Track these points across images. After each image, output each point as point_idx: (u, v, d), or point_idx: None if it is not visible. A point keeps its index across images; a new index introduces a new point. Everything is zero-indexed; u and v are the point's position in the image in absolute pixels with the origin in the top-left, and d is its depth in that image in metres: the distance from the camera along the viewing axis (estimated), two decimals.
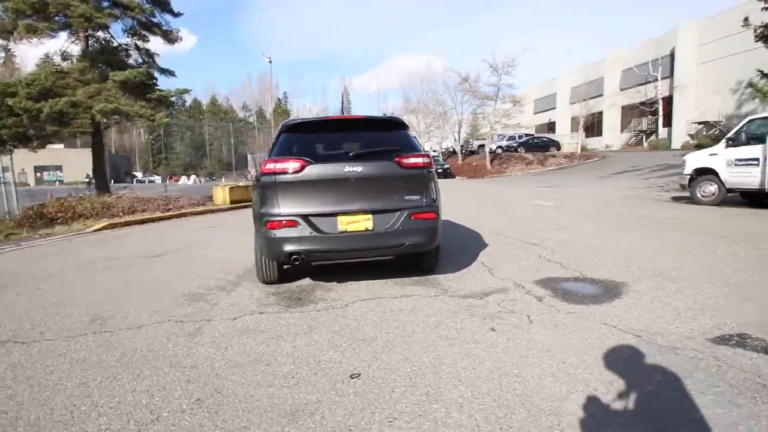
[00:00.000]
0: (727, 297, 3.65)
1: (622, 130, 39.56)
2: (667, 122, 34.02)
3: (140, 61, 14.74)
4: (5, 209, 10.03)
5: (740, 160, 9.49)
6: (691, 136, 31.84)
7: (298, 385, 2.44)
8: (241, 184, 14.61)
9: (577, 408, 2.12)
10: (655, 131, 36.07)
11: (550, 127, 47.40)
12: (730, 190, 9.90)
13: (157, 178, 52.86)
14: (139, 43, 14.12)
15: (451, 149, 37.97)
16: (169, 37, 14.17)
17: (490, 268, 4.92)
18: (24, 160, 32.54)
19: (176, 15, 14.89)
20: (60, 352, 3.00)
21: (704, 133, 30.97)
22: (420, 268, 4.72)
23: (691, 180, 10.70)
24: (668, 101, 33.66)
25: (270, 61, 32.70)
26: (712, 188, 10.16)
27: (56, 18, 12.90)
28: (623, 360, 2.61)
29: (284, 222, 3.82)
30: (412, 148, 4.18)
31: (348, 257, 4.09)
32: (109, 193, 12.75)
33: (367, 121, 4.40)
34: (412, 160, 4.03)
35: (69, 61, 13.87)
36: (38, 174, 51.53)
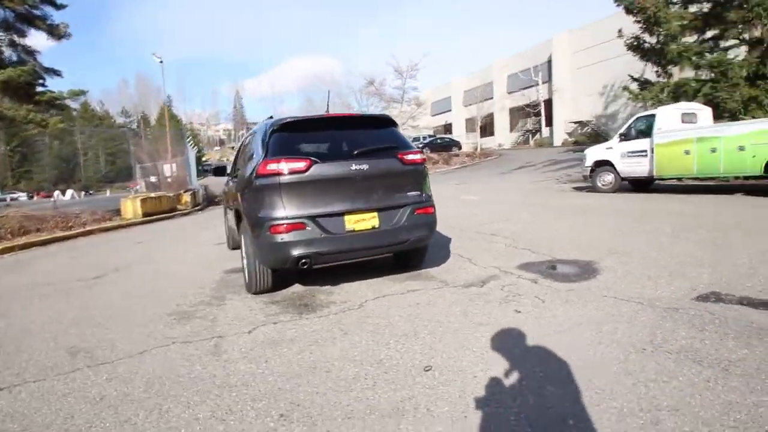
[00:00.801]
0: (681, 264, 4.29)
1: (511, 130, 43.41)
2: (549, 122, 38.09)
3: (14, 59, 12.64)
4: None
5: (632, 152, 11.06)
6: (569, 134, 36.06)
7: (378, 385, 2.38)
8: (153, 195, 13.31)
9: (655, 359, 2.37)
10: (539, 130, 40.18)
11: (447, 128, 50.35)
12: (624, 179, 11.48)
13: (21, 195, 45.84)
14: (16, 38, 12.06)
15: None
16: (55, 32, 12.32)
17: (469, 258, 5.16)
18: None
19: (59, 7, 13.03)
20: (62, 392, 2.54)
21: (579, 131, 35.30)
22: (408, 264, 4.79)
23: (592, 171, 12.17)
24: (549, 103, 37.68)
25: (161, 62, 30.16)
26: (610, 177, 11.68)
27: None
28: (646, 322, 2.95)
29: (291, 225, 3.63)
30: (407, 145, 4.24)
31: (354, 257, 4.02)
32: None
33: (359, 119, 4.36)
34: (412, 157, 4.09)
35: None
36: None
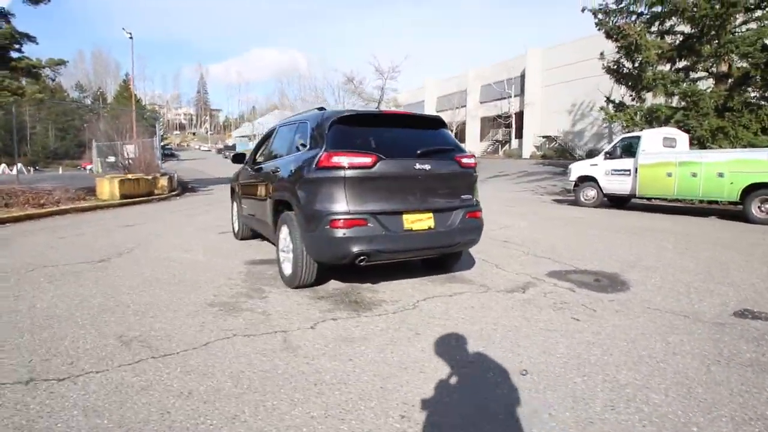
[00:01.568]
0: (702, 281, 4.54)
1: (481, 139, 44.40)
2: (519, 134, 39.26)
3: None
4: None
5: (616, 170, 11.59)
6: (537, 147, 37.34)
7: (484, 387, 2.36)
8: (131, 176, 12.57)
9: (735, 371, 2.49)
10: (509, 141, 41.36)
11: None
12: (606, 195, 12.01)
13: None
14: None
15: None
16: None
17: (495, 264, 5.23)
18: None
19: None
20: (140, 386, 2.35)
21: (547, 146, 36.63)
22: (442, 266, 4.80)
23: (576, 185, 12.66)
24: (520, 116, 38.84)
25: (131, 37, 28.67)
26: (593, 193, 12.20)
27: None
28: (704, 335, 3.10)
29: (353, 220, 3.54)
30: (461, 148, 4.25)
31: (408, 256, 3.98)
32: None
33: (415, 118, 4.31)
34: (467, 160, 4.10)
35: None
36: None
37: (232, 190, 6.82)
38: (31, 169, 46.02)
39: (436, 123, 4.33)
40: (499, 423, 2.05)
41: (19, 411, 2.09)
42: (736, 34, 14.90)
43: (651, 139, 11.17)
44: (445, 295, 3.99)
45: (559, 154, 34.42)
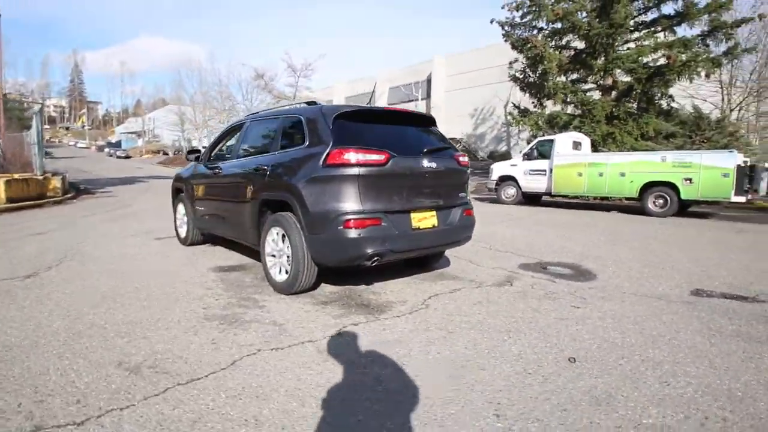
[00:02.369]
0: (648, 267, 5.15)
1: None
2: None
3: None
4: None
5: (533, 170, 12.65)
6: None
7: (551, 377, 2.41)
8: (17, 176, 10.59)
9: (731, 342, 2.85)
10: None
11: None
12: (524, 194, 13.04)
13: None
14: None
15: None
16: None
17: (468, 260, 5.39)
18: None
19: None
20: (190, 419, 2.01)
21: None
22: (424, 264, 4.82)
23: (497, 185, 13.56)
24: None
25: None
26: (513, 191, 13.17)
27: None
28: (686, 314, 3.51)
29: (368, 220, 3.39)
30: (454, 147, 4.29)
31: (413, 255, 3.91)
32: None
33: (414, 116, 4.23)
34: (463, 159, 4.15)
35: None
36: None
37: (176, 191, 6.14)
38: None
39: (431, 121, 4.33)
40: (586, 409, 2.11)
41: None
42: (620, 52, 17.13)
43: (563, 142, 12.37)
44: (444, 292, 4.01)
45: None
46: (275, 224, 3.84)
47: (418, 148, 3.82)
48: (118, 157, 49.19)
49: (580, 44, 18.21)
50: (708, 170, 9.74)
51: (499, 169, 13.66)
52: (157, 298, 3.73)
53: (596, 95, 18.42)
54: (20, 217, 9.02)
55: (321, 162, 3.43)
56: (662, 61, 16.26)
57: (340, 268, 3.86)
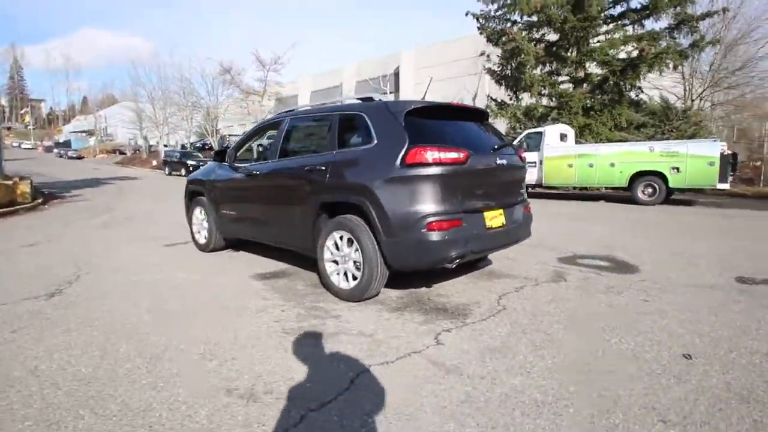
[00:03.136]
0: (677, 256, 5.29)
1: None
2: None
3: None
4: None
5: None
6: None
7: (674, 380, 2.38)
8: None
9: None
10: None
11: None
12: None
13: None
14: None
15: (207, 144, 34.81)
16: None
17: (506, 256, 5.33)
18: None
19: None
20: None
21: None
22: (472, 264, 4.72)
23: None
24: None
25: None
26: None
27: None
28: (744, 301, 3.61)
29: (451, 221, 3.25)
30: (510, 142, 4.20)
31: (484, 255, 3.80)
32: None
33: (474, 112, 4.10)
34: (522, 155, 4.08)
35: None
36: None
37: (192, 195, 5.75)
38: None
39: (486, 116, 4.22)
40: (747, 402, 2.08)
41: None
42: (592, 45, 17.62)
43: (551, 134, 12.61)
44: (509, 291, 3.94)
45: None
46: (338, 228, 3.63)
47: (488, 145, 3.71)
48: (70, 158, 46.28)
49: (553, 37, 18.60)
50: (694, 159, 10.17)
51: None
52: (215, 312, 3.45)
53: (569, 87, 18.89)
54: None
55: (398, 162, 3.25)
56: (634, 53, 16.88)
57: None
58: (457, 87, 35.89)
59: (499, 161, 3.65)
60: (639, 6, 17.51)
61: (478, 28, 19.91)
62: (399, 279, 4.11)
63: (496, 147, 3.72)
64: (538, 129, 13.32)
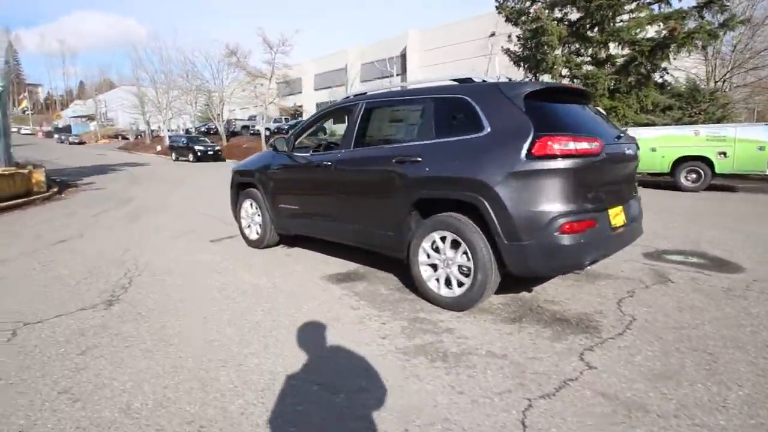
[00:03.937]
0: None
1: None
2: None
3: None
4: None
5: None
6: None
7: None
8: (2, 171, 9.11)
9: None
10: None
11: (297, 111, 48.61)
12: None
13: None
14: None
15: (213, 129, 34.05)
16: None
17: None
18: None
19: None
20: None
21: None
22: None
23: None
24: None
25: None
26: None
27: None
28: None
29: (586, 222, 2.81)
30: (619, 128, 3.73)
31: (605, 258, 3.35)
32: None
33: (583, 94, 3.62)
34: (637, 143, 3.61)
35: None
36: None
37: (240, 186, 5.29)
38: None
39: (591, 98, 3.74)
40: None
41: None
42: (618, 24, 16.93)
43: None
44: (623, 296, 3.52)
45: None
46: (439, 228, 3.19)
47: (610, 133, 3.24)
48: (71, 143, 45.52)
49: (574, 16, 17.88)
50: (743, 143, 9.69)
51: None
52: (308, 325, 3.02)
53: (592, 69, 18.23)
54: (17, 219, 7.76)
55: (523, 153, 2.79)
56: (654, 33, 16.24)
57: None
58: (467, 69, 35.07)
59: (626, 151, 3.19)
60: None
61: (496, 7, 19.15)
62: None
63: (619, 135, 3.26)
64: None
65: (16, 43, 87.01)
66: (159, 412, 2.07)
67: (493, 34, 34.93)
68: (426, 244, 3.30)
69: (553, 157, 2.75)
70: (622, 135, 3.31)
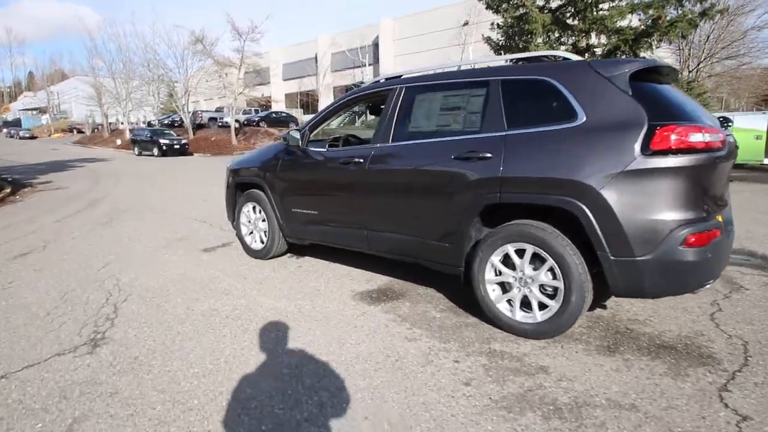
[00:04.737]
0: None
1: None
2: None
3: None
4: None
5: None
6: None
7: None
8: None
9: None
10: (365, 112, 41.25)
11: (266, 102, 46.97)
12: None
13: None
14: None
15: (177, 121, 32.23)
16: None
17: None
18: None
19: None
20: None
21: None
22: None
23: None
24: None
25: None
26: None
27: None
28: None
29: (711, 232, 2.30)
30: None
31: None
32: None
33: (673, 73, 3.06)
34: None
35: None
36: None
37: (239, 187, 4.55)
38: None
39: (677, 77, 3.20)
40: None
41: None
42: (600, 13, 16.77)
43: None
44: (711, 310, 3.06)
45: None
46: (516, 240, 2.61)
47: (713, 121, 2.73)
48: (22, 138, 42.41)
49: (555, 3, 17.63)
50: (740, 133, 9.57)
51: None
52: (371, 372, 2.38)
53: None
54: None
55: (637, 147, 2.24)
56: (638, 22, 16.20)
57: None
58: (441, 58, 34.67)
59: (734, 143, 2.69)
60: None
61: None
62: None
63: (728, 124, 2.77)
64: None
65: None
66: None
67: (466, 23, 34.65)
68: (496, 259, 2.72)
69: (676, 151, 2.21)
70: (725, 124, 2.82)
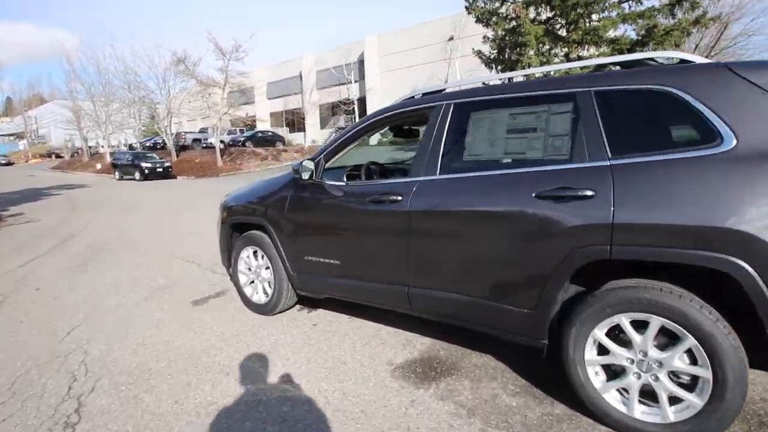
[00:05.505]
0: None
1: (322, 127, 42.75)
2: None
3: None
4: None
5: None
6: (382, 134, 37.74)
7: None
8: None
9: None
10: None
11: (252, 122, 46.22)
12: None
13: None
14: None
15: (159, 143, 31.21)
16: None
17: None
18: None
19: None
20: None
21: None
22: None
23: None
24: (363, 101, 38.47)
25: None
26: None
27: None
28: None
29: None
30: None
31: None
32: None
33: None
34: None
35: None
36: None
37: (235, 228, 3.78)
38: None
39: None
40: None
41: None
42: (593, 24, 16.55)
43: None
44: None
45: None
46: (633, 309, 1.90)
47: None
48: None
49: (546, 15, 17.39)
50: None
51: None
52: None
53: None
54: None
55: None
56: (631, 32, 16.05)
57: None
58: (427, 73, 34.46)
59: None
60: None
61: (466, 7, 18.39)
62: None
63: None
64: None
65: None
66: None
67: (451, 38, 34.57)
68: (600, 333, 2.00)
69: None
70: None
